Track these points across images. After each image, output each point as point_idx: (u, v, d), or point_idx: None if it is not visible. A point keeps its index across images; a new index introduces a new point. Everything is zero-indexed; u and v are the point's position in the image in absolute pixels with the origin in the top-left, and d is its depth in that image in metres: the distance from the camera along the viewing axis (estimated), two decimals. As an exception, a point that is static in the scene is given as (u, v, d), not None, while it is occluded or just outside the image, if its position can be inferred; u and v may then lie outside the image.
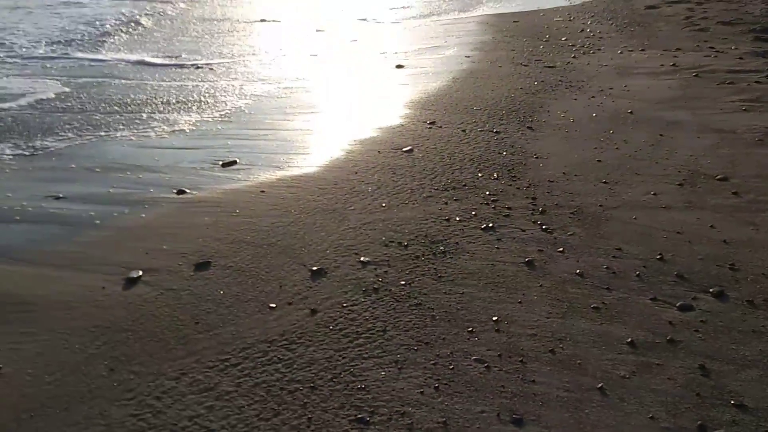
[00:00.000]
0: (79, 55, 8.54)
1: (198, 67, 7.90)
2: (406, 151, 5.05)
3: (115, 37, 9.77)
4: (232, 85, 7.14)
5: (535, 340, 2.88)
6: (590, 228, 3.85)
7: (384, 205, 4.19)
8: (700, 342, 2.86)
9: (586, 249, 3.63)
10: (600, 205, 4.12)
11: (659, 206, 4.10)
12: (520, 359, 2.76)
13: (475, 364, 2.74)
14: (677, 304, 3.12)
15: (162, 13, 11.79)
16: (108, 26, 10.50)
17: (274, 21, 11.14)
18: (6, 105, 6.37)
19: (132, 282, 3.36)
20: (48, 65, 7.94)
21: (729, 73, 6.91)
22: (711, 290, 3.22)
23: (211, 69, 7.84)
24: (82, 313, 3.10)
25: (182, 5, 12.74)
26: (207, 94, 6.79)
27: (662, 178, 4.50)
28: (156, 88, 7.04)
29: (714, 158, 4.78)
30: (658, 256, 3.51)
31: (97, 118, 6.03)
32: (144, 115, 6.10)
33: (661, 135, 5.25)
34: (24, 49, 8.67)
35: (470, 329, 2.96)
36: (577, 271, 3.41)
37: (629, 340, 2.86)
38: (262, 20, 11.13)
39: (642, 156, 4.87)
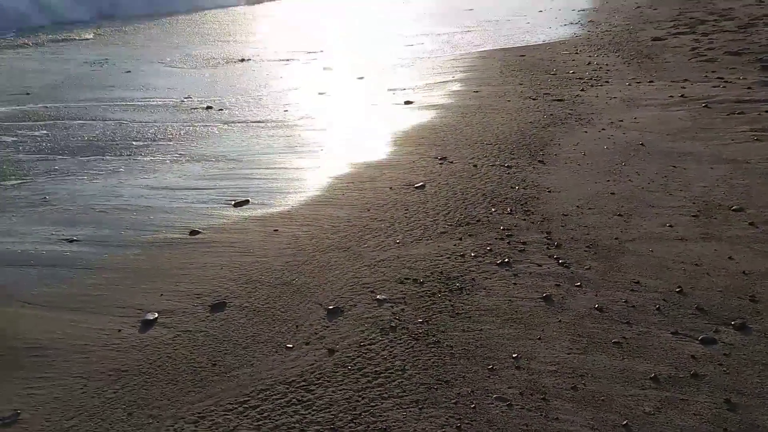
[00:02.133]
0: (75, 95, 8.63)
1: (208, 108, 7.97)
2: (417, 187, 5.06)
3: (117, 77, 9.88)
4: (241, 125, 7.19)
5: (556, 376, 2.85)
6: (607, 261, 3.83)
7: (398, 241, 4.18)
8: (725, 376, 2.82)
9: (603, 283, 3.60)
10: (615, 238, 4.10)
11: (675, 238, 4.08)
12: (542, 396, 2.72)
13: (496, 402, 2.70)
14: (699, 338, 3.08)
15: (168, 55, 11.95)
16: (106, 67, 10.65)
17: (289, 59, 11.26)
18: None
19: (148, 324, 3.35)
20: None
21: (738, 103, 6.92)
22: (733, 323, 3.18)
23: (221, 109, 7.90)
24: (99, 356, 3.09)
25: (180, 44, 12.91)
26: (217, 134, 6.84)
27: (677, 209, 4.48)
28: (164, 128, 7.10)
29: (728, 189, 4.76)
30: (677, 289, 3.48)
31: (104, 159, 6.08)
32: (152, 157, 6.15)
33: (673, 166, 5.24)
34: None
35: (490, 367, 2.92)
36: (596, 305, 3.38)
37: (652, 375, 2.82)
38: (280, 59, 11.25)
39: (655, 188, 4.85)
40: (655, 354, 2.98)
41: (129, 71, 10.45)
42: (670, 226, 4.24)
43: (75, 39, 13.51)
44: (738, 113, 6.58)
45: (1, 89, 8.99)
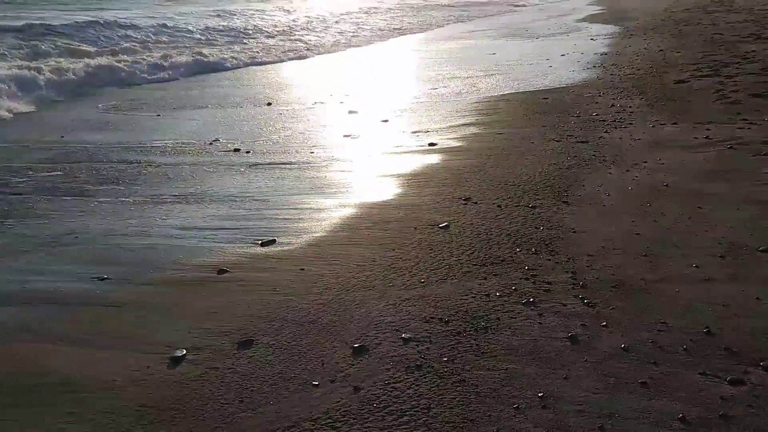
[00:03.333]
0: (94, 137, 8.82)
1: (236, 150, 8.11)
2: (442, 227, 5.10)
3: (148, 121, 10.10)
4: (268, 166, 7.31)
5: (583, 416, 2.83)
6: (633, 302, 3.82)
7: (423, 281, 4.21)
8: (755, 418, 2.79)
9: (629, 323, 3.59)
10: (641, 279, 4.09)
11: (702, 279, 4.06)
12: (568, 436, 2.70)
13: (522, 441, 2.69)
14: (727, 379, 3.05)
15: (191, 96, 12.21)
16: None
17: (315, 103, 11.45)
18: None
19: (176, 361, 3.40)
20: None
21: (764, 144, 6.90)
22: (762, 363, 3.15)
23: (248, 152, 8.04)
24: (128, 392, 3.14)
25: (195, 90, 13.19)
26: (244, 176, 6.96)
27: (703, 250, 4.46)
28: (192, 170, 7.23)
29: (755, 230, 4.74)
30: (704, 330, 3.46)
31: (133, 199, 6.21)
32: (180, 197, 6.26)
33: (699, 207, 5.23)
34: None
35: (516, 406, 2.92)
36: (622, 345, 3.37)
37: (680, 415, 2.80)
38: (306, 103, 11.44)
39: (681, 229, 4.85)
40: (683, 394, 2.96)
41: (159, 115, 10.69)
42: (696, 266, 4.23)
43: (110, 91, 13.83)
44: (764, 154, 6.56)
45: (38, 136, 9.23)
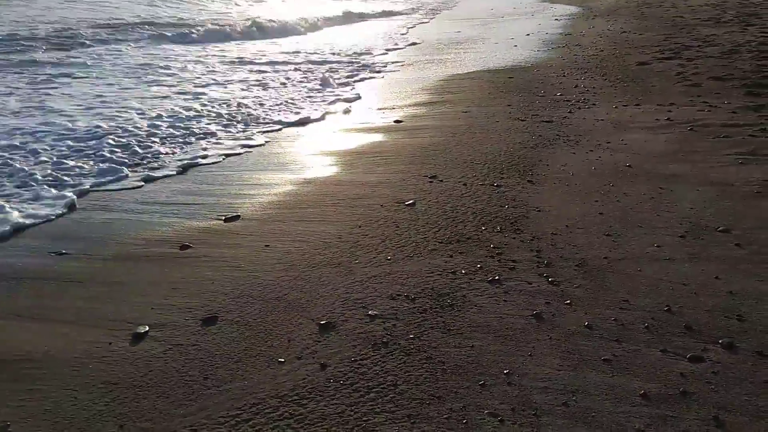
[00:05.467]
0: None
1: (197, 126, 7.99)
2: (408, 205, 5.09)
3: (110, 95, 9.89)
4: (232, 142, 7.21)
5: (547, 393, 2.87)
6: (596, 280, 3.87)
7: (389, 258, 4.20)
8: (713, 393, 2.85)
9: (593, 301, 3.63)
10: (604, 258, 4.14)
11: (663, 258, 4.12)
12: (533, 412, 2.73)
13: (488, 417, 2.71)
14: (687, 356, 3.11)
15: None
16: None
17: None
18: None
19: (139, 337, 3.34)
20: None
21: (724, 127, 7.02)
22: (720, 341, 3.22)
23: (209, 125, 7.92)
24: (90, 369, 3.08)
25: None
26: (208, 152, 6.85)
27: (664, 230, 4.53)
28: (153, 144, 7.10)
29: (714, 210, 4.83)
30: (665, 308, 3.52)
31: (92, 173, 6.08)
32: (142, 172, 6.15)
33: (660, 188, 5.31)
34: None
35: (482, 382, 2.94)
36: (586, 323, 3.41)
37: (642, 392, 2.85)
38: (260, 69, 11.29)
39: (643, 209, 4.91)
40: (644, 371, 3.01)
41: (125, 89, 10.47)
42: (657, 246, 4.29)
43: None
44: (723, 137, 6.68)
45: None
